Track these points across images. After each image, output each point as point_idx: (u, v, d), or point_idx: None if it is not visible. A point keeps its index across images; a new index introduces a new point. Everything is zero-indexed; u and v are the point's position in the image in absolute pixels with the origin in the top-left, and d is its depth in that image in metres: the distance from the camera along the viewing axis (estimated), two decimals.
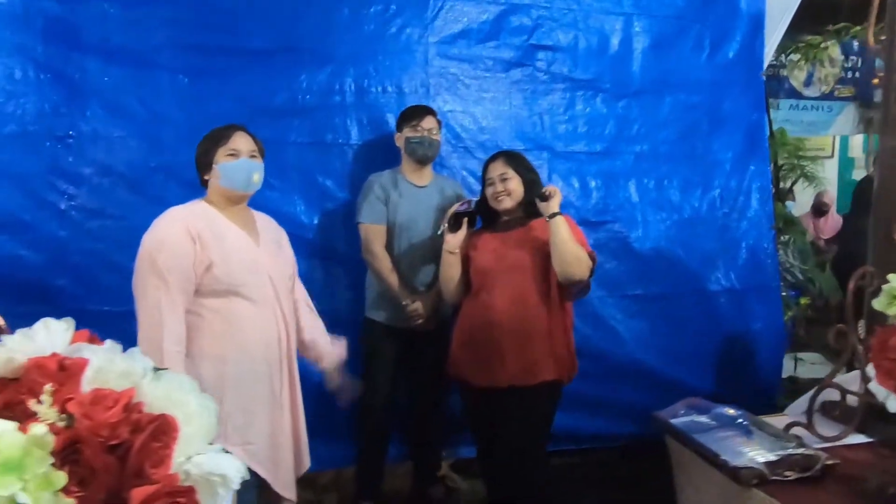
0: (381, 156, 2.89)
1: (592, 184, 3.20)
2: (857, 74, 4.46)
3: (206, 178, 1.95)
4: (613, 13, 3.23)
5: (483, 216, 2.49)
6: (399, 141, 2.65)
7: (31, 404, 0.69)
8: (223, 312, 1.85)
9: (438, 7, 3.00)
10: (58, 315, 2.65)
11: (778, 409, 2.33)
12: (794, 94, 4.45)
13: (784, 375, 3.58)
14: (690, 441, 1.48)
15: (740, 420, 1.58)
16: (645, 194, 3.27)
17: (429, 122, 2.59)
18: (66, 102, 2.64)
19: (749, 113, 3.45)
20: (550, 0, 3.14)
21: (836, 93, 4.49)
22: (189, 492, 0.70)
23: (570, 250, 2.17)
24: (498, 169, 2.38)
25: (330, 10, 2.86)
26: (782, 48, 3.91)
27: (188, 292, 1.81)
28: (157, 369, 0.78)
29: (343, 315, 2.89)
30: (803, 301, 3.37)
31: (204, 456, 0.75)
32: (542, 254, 2.25)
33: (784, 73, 4.29)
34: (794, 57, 4.14)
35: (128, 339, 0.86)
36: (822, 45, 3.78)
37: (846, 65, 4.40)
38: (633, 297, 3.18)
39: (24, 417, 0.69)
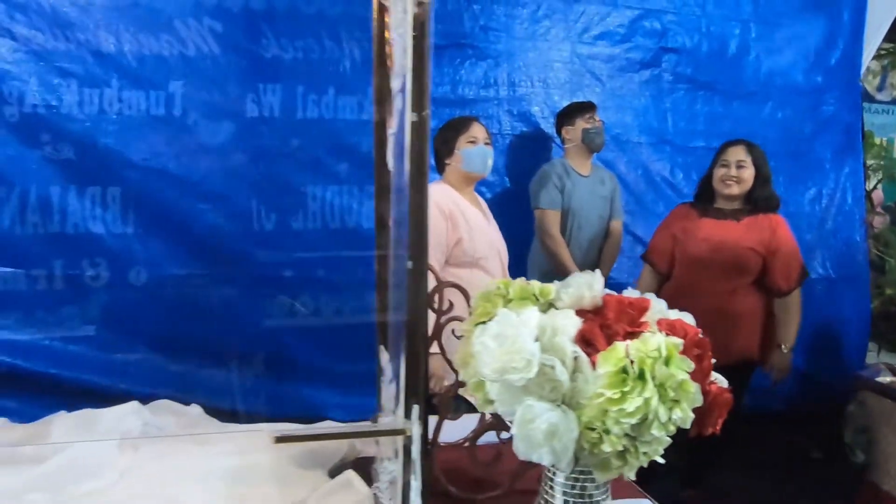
0: (528, 144, 3.19)
1: None
2: None
3: (446, 162, 2.21)
4: (733, 20, 3.51)
5: (698, 194, 2.60)
6: (570, 133, 2.92)
7: (620, 326, 0.97)
8: (465, 282, 2.12)
9: (581, 11, 3.28)
10: (249, 277, 2.93)
11: None
12: (867, 97, 4.73)
13: None
14: None
15: None
16: None
17: (597, 115, 2.87)
18: (252, 87, 2.90)
19: (846, 115, 3.74)
20: (679, 7, 3.41)
21: None
22: (726, 392, 0.99)
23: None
24: (738, 154, 2.39)
25: (488, 12, 3.13)
26: None
27: (441, 263, 2.08)
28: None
29: None
30: (889, 291, 3.66)
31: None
32: (754, 252, 2.36)
33: None
34: (874, 64, 4.42)
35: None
36: None
37: None
38: None
39: (611, 336, 0.97)
